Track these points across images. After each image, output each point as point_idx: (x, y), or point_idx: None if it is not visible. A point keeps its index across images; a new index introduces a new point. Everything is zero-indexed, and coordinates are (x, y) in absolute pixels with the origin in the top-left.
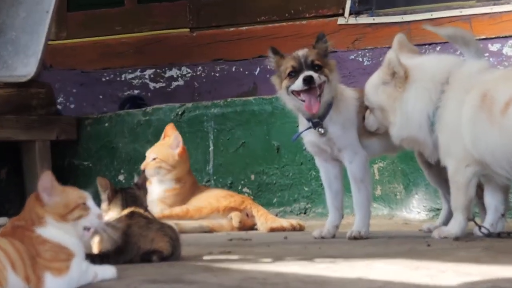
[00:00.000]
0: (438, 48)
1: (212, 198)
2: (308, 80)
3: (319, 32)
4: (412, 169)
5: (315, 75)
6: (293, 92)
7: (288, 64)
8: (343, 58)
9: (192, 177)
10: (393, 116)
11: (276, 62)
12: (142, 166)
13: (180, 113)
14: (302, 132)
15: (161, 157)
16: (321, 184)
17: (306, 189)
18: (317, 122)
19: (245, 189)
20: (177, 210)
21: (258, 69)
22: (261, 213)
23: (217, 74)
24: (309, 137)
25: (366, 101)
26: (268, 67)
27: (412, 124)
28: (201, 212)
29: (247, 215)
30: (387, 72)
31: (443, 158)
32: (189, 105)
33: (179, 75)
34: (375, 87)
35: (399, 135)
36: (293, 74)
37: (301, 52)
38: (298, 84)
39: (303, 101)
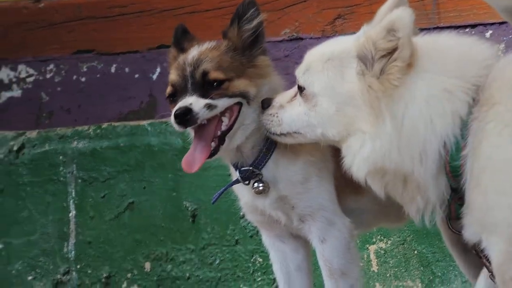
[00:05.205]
0: None
1: None
2: (183, 116)
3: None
4: (439, 254)
5: (198, 104)
6: None
7: (169, 78)
8: None
9: None
10: (373, 122)
11: (169, 64)
12: None
13: (15, 149)
14: (226, 188)
15: None
16: (272, 279)
17: None
18: (247, 171)
19: None
20: None
21: (159, 69)
22: None
23: (83, 79)
24: (247, 197)
25: (303, 75)
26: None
27: (409, 148)
28: None
29: None
30: (383, 42)
31: (477, 233)
32: (32, 134)
33: (14, 79)
34: (340, 60)
35: (374, 161)
36: (173, 98)
37: (192, 53)
38: (172, 120)
39: None
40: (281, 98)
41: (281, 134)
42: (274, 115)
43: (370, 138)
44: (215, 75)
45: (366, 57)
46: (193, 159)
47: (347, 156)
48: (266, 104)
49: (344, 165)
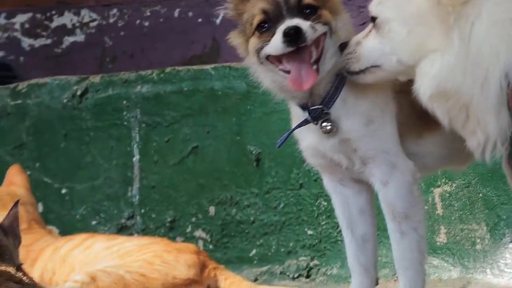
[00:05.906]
0: None
1: (132, 256)
2: (294, 35)
3: None
4: (504, 197)
5: (305, 24)
6: (268, 58)
7: (255, 9)
8: None
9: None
10: (443, 39)
11: (235, 6)
12: None
13: (79, 93)
14: (293, 130)
15: None
16: (336, 223)
17: (309, 232)
18: (317, 110)
19: (198, 233)
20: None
21: (222, 14)
22: (231, 282)
23: (146, 23)
24: (309, 140)
25: (376, 7)
26: (227, 15)
27: (472, 72)
28: None
29: None
30: None
31: None
32: (96, 79)
33: (77, 24)
34: None
35: (440, 81)
36: (266, 26)
37: None
38: (276, 43)
39: (288, 72)
40: (357, 36)
41: (360, 72)
42: (352, 53)
43: (440, 54)
44: (309, 0)
45: None
46: (302, 79)
47: (417, 80)
48: (343, 46)
49: (414, 91)
